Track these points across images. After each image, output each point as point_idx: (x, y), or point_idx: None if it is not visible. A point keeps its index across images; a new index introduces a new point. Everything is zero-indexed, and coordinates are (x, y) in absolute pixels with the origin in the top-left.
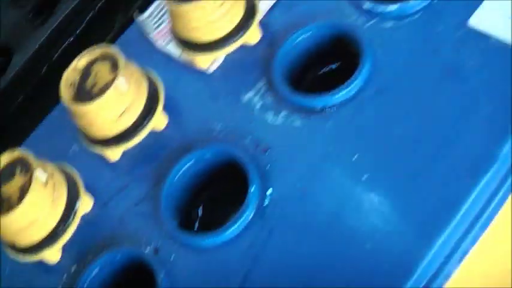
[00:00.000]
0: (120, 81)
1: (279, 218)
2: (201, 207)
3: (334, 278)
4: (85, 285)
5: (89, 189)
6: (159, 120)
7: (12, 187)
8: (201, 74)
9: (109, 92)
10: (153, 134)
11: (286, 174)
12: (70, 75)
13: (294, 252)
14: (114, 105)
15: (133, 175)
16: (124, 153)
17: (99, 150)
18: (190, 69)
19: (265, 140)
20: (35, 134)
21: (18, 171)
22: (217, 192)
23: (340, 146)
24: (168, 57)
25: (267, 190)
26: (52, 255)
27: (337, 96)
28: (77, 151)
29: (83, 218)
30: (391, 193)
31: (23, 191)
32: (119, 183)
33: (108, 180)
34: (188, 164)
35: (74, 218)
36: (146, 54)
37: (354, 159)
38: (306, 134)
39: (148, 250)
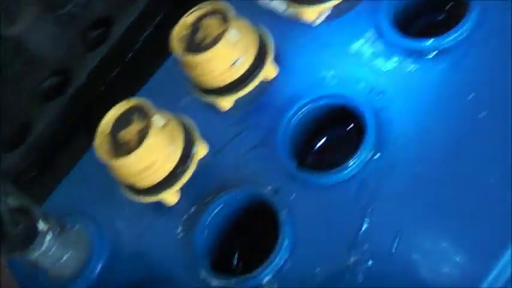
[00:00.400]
0: (232, 32)
1: (396, 158)
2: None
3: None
4: (206, 224)
5: (203, 137)
6: (270, 70)
7: (130, 132)
8: (308, 27)
9: (221, 42)
10: (264, 83)
11: (402, 116)
12: (180, 30)
13: (411, 191)
14: (226, 55)
15: (246, 123)
16: (236, 102)
17: (211, 99)
18: (296, 23)
19: (378, 85)
20: (145, 88)
21: (135, 117)
22: (333, 136)
23: (454, 87)
24: (273, 14)
25: (383, 131)
26: (171, 196)
27: (449, 39)
28: (188, 103)
29: (199, 163)
30: None
31: (142, 135)
32: (232, 131)
33: (221, 129)
34: (303, 109)
35: (191, 161)
36: (251, 12)
37: (469, 98)
38: (419, 77)
39: (268, 190)
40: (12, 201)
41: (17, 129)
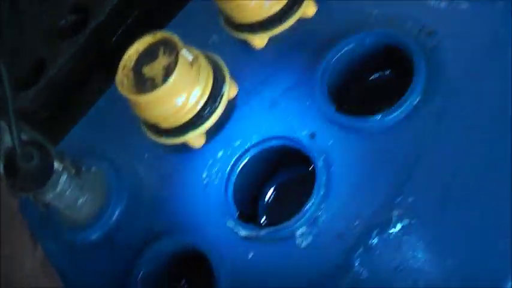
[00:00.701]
0: None
1: (448, 103)
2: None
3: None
4: (237, 170)
5: (233, 77)
6: (309, 7)
7: (156, 67)
8: None
9: None
10: (302, 22)
11: (454, 57)
12: None
13: (461, 142)
14: None
15: (282, 63)
16: (270, 41)
17: (244, 36)
18: None
19: (429, 24)
20: (172, 24)
21: (161, 52)
22: (377, 80)
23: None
24: None
25: (433, 74)
26: (197, 138)
27: None
28: (217, 41)
29: (229, 104)
30: None
31: (168, 71)
32: (266, 71)
33: (254, 69)
34: (346, 48)
35: (220, 101)
36: None
37: None
38: (474, 16)
39: (304, 135)
40: (25, 136)
41: (31, 67)
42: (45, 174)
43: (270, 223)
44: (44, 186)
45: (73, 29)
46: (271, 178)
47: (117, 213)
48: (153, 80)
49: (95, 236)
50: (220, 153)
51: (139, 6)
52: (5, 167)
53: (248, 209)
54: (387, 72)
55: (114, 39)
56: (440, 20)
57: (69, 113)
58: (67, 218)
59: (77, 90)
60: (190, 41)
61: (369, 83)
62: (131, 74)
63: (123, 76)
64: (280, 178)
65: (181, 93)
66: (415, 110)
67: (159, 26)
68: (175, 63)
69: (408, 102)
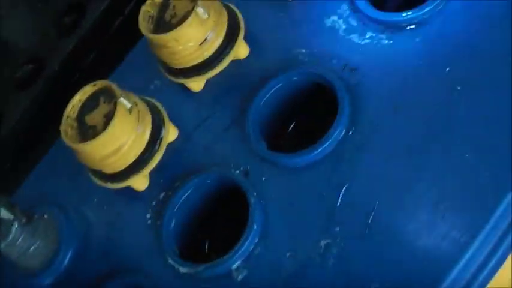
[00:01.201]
0: (200, 9)
1: (370, 136)
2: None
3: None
4: (174, 210)
5: (173, 121)
6: (241, 49)
7: (97, 115)
8: (280, 3)
9: (189, 20)
10: (235, 64)
11: (376, 91)
12: (148, 9)
13: (381, 172)
14: (195, 33)
15: (218, 105)
16: (207, 84)
17: (182, 81)
18: (267, 0)
19: (352, 60)
20: (116, 73)
21: (102, 100)
22: (306, 115)
23: (430, 60)
24: None
25: (357, 109)
26: (139, 182)
27: (424, 11)
28: (158, 86)
29: (169, 147)
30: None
31: (108, 118)
32: (203, 113)
33: (192, 111)
34: (275, 87)
35: (160, 145)
36: None
37: (446, 71)
38: (395, 51)
39: (238, 173)
40: None
41: None
42: None
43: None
44: None
45: (29, 79)
46: (211, 216)
47: (67, 258)
48: (94, 128)
49: (47, 281)
50: (162, 195)
51: (91, 54)
52: None
53: (192, 247)
54: (316, 109)
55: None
56: (362, 56)
57: (29, 164)
58: (20, 265)
59: (34, 141)
60: (134, 87)
61: (299, 120)
62: (74, 124)
63: (66, 126)
64: (219, 216)
65: (121, 139)
66: (338, 145)
67: (110, 71)
68: (114, 111)
69: (333, 137)
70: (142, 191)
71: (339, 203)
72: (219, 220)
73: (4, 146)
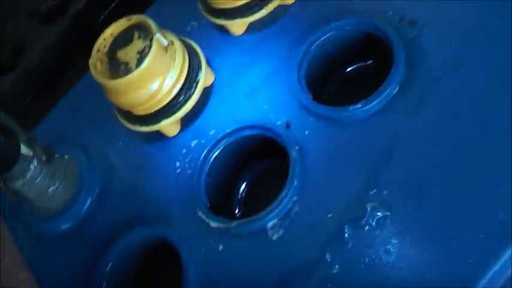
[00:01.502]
0: None
1: (426, 92)
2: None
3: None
4: (210, 160)
5: (210, 65)
6: None
7: (130, 51)
8: None
9: None
10: (281, 8)
11: (434, 47)
12: None
13: (438, 133)
14: None
15: (260, 51)
16: (249, 28)
17: (223, 22)
18: None
19: (410, 13)
20: (150, 10)
21: (136, 36)
22: (355, 68)
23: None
24: None
25: (413, 63)
26: (171, 127)
27: None
28: (195, 28)
29: (205, 93)
30: None
31: (142, 55)
32: (243, 59)
33: (231, 56)
34: (325, 36)
35: (195, 88)
36: None
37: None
38: (455, 6)
39: (279, 125)
40: None
41: (10, 52)
42: (10, 157)
43: (243, 215)
44: (9, 171)
45: (54, 14)
46: (245, 169)
47: (88, 202)
48: (127, 64)
49: (65, 226)
50: (194, 143)
51: None
52: None
53: (221, 200)
54: (367, 62)
55: (94, 25)
56: (421, 9)
57: (49, 100)
58: (37, 208)
59: (57, 76)
60: (169, 26)
61: (348, 73)
62: (105, 59)
63: (96, 60)
64: (254, 170)
65: (155, 78)
66: (393, 100)
67: (140, 11)
68: (149, 47)
69: (386, 92)
70: (173, 137)
71: (389, 165)
72: (254, 175)
73: (24, 80)
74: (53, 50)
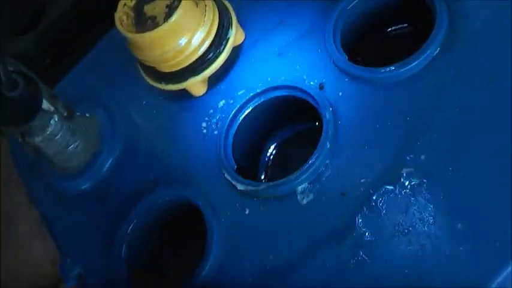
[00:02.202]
0: None
1: (468, 56)
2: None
3: None
4: (238, 121)
5: (241, 23)
6: None
7: (158, 5)
8: None
9: None
10: None
11: (478, 8)
12: None
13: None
14: None
15: (293, 10)
16: None
17: None
18: None
19: None
20: None
21: None
22: (393, 30)
23: None
24: None
25: (455, 26)
26: (198, 85)
27: None
28: None
29: (234, 51)
30: None
31: (171, 9)
32: (275, 18)
33: (263, 15)
34: None
35: (225, 46)
36: None
37: None
38: None
39: (312, 85)
40: (13, 67)
41: (31, 14)
42: (31, 106)
43: (270, 180)
44: (30, 121)
45: None
46: (274, 132)
47: (109, 162)
48: (154, 18)
49: (85, 185)
50: (221, 103)
51: None
52: None
53: (248, 163)
54: (405, 25)
55: None
56: None
57: (69, 62)
58: (57, 166)
59: (76, 38)
60: None
61: (385, 35)
62: (131, 13)
63: (122, 14)
64: (284, 133)
65: (183, 34)
66: (432, 62)
67: None
68: (179, 1)
69: (427, 53)
70: (199, 97)
71: (427, 129)
72: (283, 139)
73: (44, 41)
74: (73, 12)
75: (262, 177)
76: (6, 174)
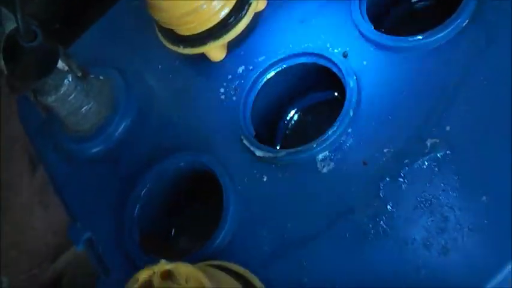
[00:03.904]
0: None
1: (497, 28)
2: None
3: None
4: (257, 86)
5: None
6: None
7: None
8: None
9: None
10: None
11: None
12: None
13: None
14: None
15: None
16: None
17: None
18: None
19: None
20: None
21: None
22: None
23: None
24: None
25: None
26: (217, 50)
27: None
28: None
29: (256, 17)
30: None
31: None
32: None
33: None
34: None
35: (247, 11)
36: None
37: None
38: None
39: (336, 53)
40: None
41: None
42: (49, 60)
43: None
44: (46, 75)
45: None
46: (294, 101)
47: (123, 126)
48: None
49: (97, 148)
50: (241, 69)
51: None
52: (4, 49)
53: (266, 132)
54: None
55: None
56: None
57: (82, 24)
58: (69, 128)
59: (86, 3)
60: None
61: (412, 5)
62: None
63: None
64: (304, 102)
65: None
66: (461, 33)
67: None
68: None
69: (456, 24)
70: (218, 62)
71: (454, 100)
72: (304, 108)
73: (52, 5)
74: None
75: (278, 147)
76: (8, 143)
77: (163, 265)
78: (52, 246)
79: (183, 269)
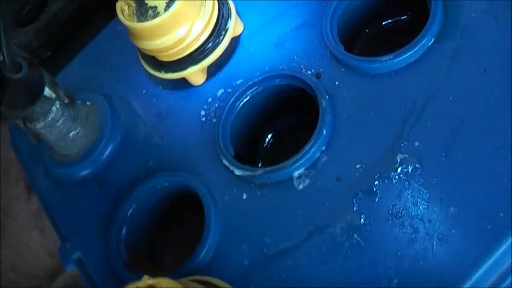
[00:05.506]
0: None
1: (463, 46)
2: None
3: None
4: (236, 109)
5: (239, 15)
6: None
7: None
8: None
9: None
10: None
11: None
12: None
13: (473, 87)
14: None
15: (290, 2)
16: None
17: None
18: None
19: None
20: None
21: None
22: (389, 23)
23: None
24: None
25: (450, 16)
26: (197, 75)
27: None
28: None
29: (233, 42)
30: None
31: (172, 0)
32: (273, 10)
33: (261, 7)
34: None
35: (224, 36)
36: None
37: None
38: None
39: (309, 74)
40: (17, 51)
41: (31, 6)
42: (34, 90)
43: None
44: (32, 104)
45: None
46: (272, 122)
47: (109, 149)
48: (155, 8)
49: (85, 172)
50: (220, 92)
51: None
52: None
53: (245, 151)
54: (401, 17)
55: None
56: None
57: (69, 54)
58: (58, 153)
59: (76, 30)
60: None
61: (381, 27)
62: (132, 3)
63: (123, 4)
64: (281, 123)
65: (184, 23)
66: (427, 53)
67: None
68: None
69: (421, 44)
70: (199, 86)
71: (421, 117)
72: (280, 128)
73: (44, 33)
74: (73, 4)
75: (260, 165)
76: (5, 168)
77: (146, 280)
78: (49, 268)
79: (164, 284)
